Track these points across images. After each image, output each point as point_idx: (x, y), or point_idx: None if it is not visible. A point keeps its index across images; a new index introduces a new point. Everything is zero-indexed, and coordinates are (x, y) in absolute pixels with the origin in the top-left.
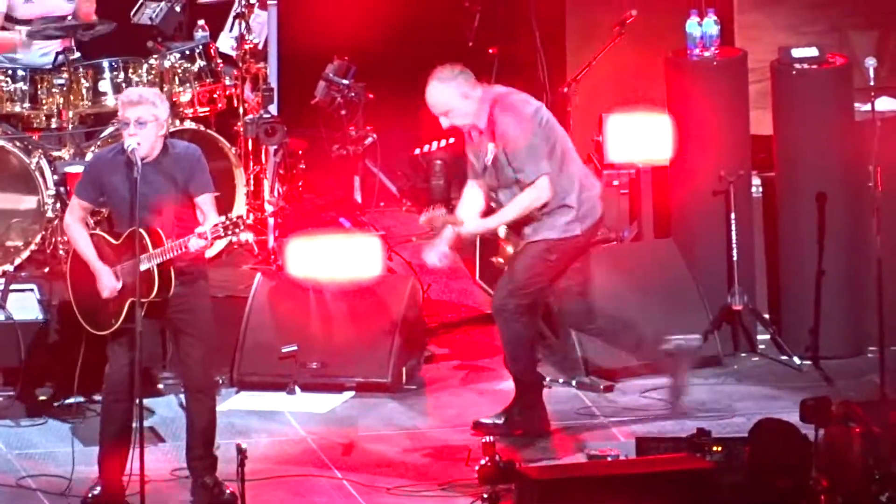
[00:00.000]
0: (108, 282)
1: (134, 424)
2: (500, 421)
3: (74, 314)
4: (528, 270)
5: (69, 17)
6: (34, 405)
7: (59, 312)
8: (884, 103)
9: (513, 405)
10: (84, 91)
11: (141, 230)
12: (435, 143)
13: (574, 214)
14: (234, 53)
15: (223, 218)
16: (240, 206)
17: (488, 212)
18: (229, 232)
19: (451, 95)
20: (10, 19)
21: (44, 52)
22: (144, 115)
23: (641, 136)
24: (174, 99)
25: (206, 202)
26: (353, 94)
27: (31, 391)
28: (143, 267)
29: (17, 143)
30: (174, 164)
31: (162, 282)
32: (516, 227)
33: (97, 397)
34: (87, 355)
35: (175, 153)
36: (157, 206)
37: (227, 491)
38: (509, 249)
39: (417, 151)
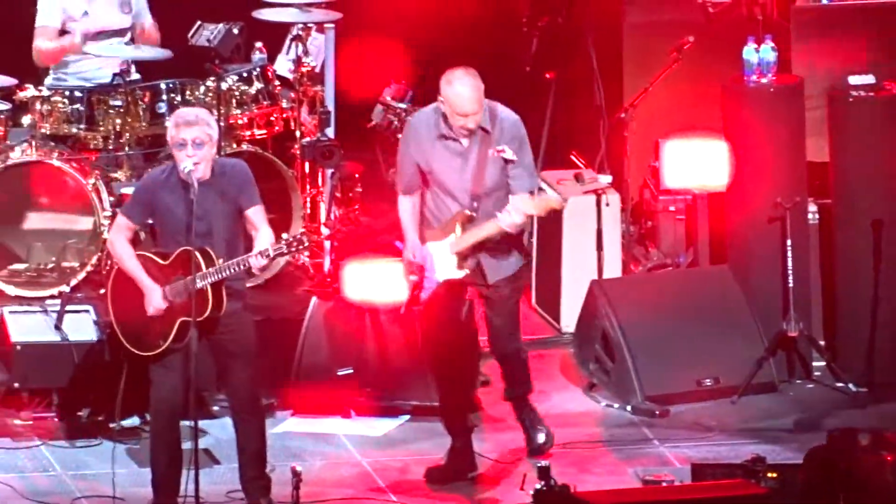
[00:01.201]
0: (157, 301)
1: (188, 446)
2: None
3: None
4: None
5: (128, 36)
6: (88, 426)
7: (115, 333)
8: None
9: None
10: (141, 112)
11: (192, 250)
12: None
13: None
14: (291, 76)
15: (285, 236)
16: (296, 229)
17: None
18: (293, 249)
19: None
20: (67, 34)
21: (99, 67)
22: (201, 136)
23: (698, 163)
24: (231, 121)
25: (257, 214)
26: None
27: (84, 412)
28: (198, 286)
29: (74, 165)
30: (225, 180)
31: (215, 300)
32: (495, 249)
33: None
34: (141, 376)
35: (224, 170)
36: (209, 226)
37: None
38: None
39: None
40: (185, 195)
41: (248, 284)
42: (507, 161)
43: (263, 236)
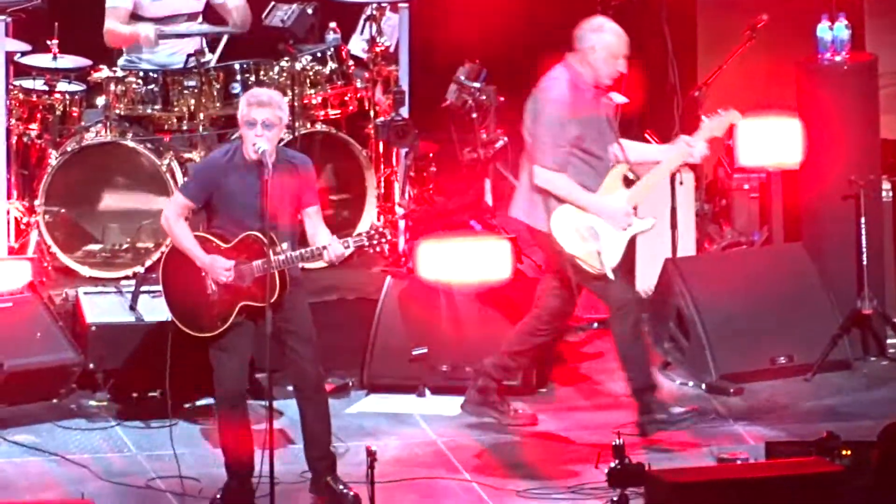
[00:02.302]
0: (223, 265)
1: (263, 427)
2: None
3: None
4: None
5: (199, 20)
6: (163, 407)
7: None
8: None
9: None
10: (215, 93)
11: (257, 233)
12: None
13: None
14: (365, 56)
15: (368, 227)
16: (370, 209)
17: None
18: (374, 241)
19: None
20: (139, 18)
21: (172, 52)
22: (271, 118)
23: (772, 141)
24: (305, 101)
25: (317, 213)
26: (484, 98)
27: (158, 392)
28: (267, 270)
29: (149, 145)
30: (291, 171)
31: (281, 284)
32: None
33: None
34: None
35: (290, 161)
36: (274, 209)
37: (351, 493)
38: None
39: None
40: (249, 176)
41: (320, 264)
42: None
43: (323, 235)
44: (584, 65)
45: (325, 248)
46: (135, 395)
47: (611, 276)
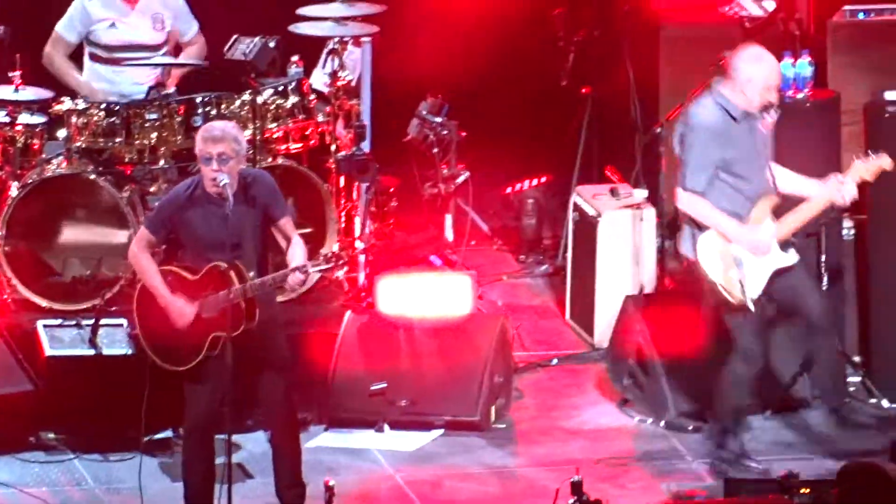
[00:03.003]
0: (184, 310)
1: (222, 460)
2: None
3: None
4: None
5: (162, 52)
6: (122, 440)
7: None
8: None
9: None
10: (177, 126)
11: (223, 264)
12: (527, 182)
13: None
14: (327, 90)
15: (325, 251)
16: (331, 243)
17: None
18: (331, 264)
19: None
20: (92, 44)
21: (136, 82)
22: (227, 151)
23: None
24: (267, 135)
25: (288, 224)
26: (445, 132)
27: (118, 426)
28: (232, 301)
29: (109, 178)
30: (252, 191)
31: (248, 314)
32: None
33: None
34: (174, 389)
35: (248, 180)
36: (238, 239)
37: None
38: None
39: (509, 190)
40: (212, 209)
41: (281, 299)
42: None
43: (296, 247)
44: (736, 92)
45: (286, 272)
46: (93, 428)
47: (751, 306)
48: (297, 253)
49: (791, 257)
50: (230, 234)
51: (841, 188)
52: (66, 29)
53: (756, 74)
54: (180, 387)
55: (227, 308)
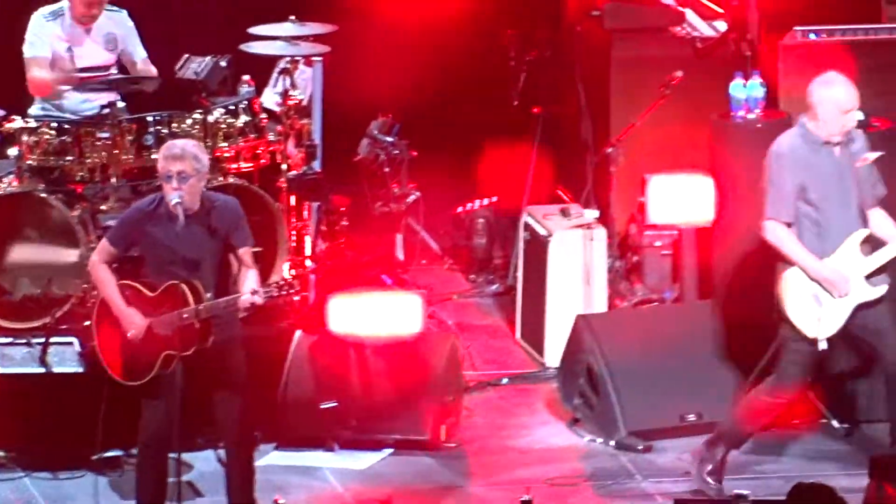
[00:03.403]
0: (135, 322)
1: (172, 479)
2: None
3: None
4: None
5: (112, 69)
6: (72, 458)
7: (98, 365)
8: None
9: None
10: (128, 145)
11: (181, 283)
12: (477, 202)
13: None
14: (278, 109)
15: (277, 278)
16: (281, 262)
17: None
18: (283, 292)
19: None
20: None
21: (86, 99)
22: (187, 169)
23: (684, 198)
24: (217, 154)
25: (247, 254)
26: (396, 152)
27: (68, 444)
28: (184, 321)
29: (60, 197)
30: (215, 216)
31: (201, 335)
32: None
33: (134, 451)
34: (123, 407)
35: (215, 206)
36: (197, 259)
37: None
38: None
39: (460, 210)
40: (172, 226)
41: None
42: (872, 163)
43: (250, 277)
44: (814, 119)
45: (237, 298)
46: (43, 446)
47: (823, 345)
48: (249, 277)
49: (878, 290)
50: (187, 253)
51: None
52: (34, 48)
53: (826, 97)
54: (131, 405)
55: (180, 327)
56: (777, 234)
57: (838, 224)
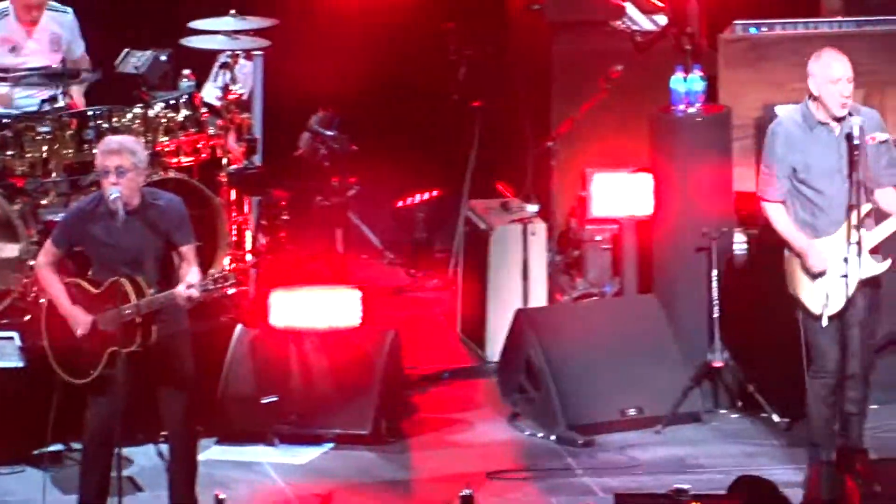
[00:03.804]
0: (79, 318)
1: (113, 474)
2: None
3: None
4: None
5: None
6: (12, 453)
7: (39, 360)
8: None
9: None
10: (68, 139)
11: (124, 280)
12: (417, 196)
13: None
14: (218, 103)
15: (213, 272)
16: (222, 257)
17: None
18: (219, 285)
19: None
20: None
21: (27, 95)
22: (125, 164)
23: (624, 192)
24: (158, 148)
25: (189, 252)
26: (336, 146)
27: (9, 439)
28: (125, 317)
29: (0, 191)
30: (157, 214)
31: (144, 331)
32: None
33: (76, 445)
34: (65, 403)
35: (157, 203)
36: (139, 255)
37: None
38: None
39: (400, 204)
40: (113, 223)
41: None
42: (882, 143)
43: (191, 273)
44: (812, 97)
45: (174, 293)
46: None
47: (824, 322)
48: (190, 273)
49: (881, 266)
50: (129, 250)
51: None
52: None
53: (816, 69)
54: (73, 401)
55: (123, 324)
56: (768, 212)
57: (835, 202)
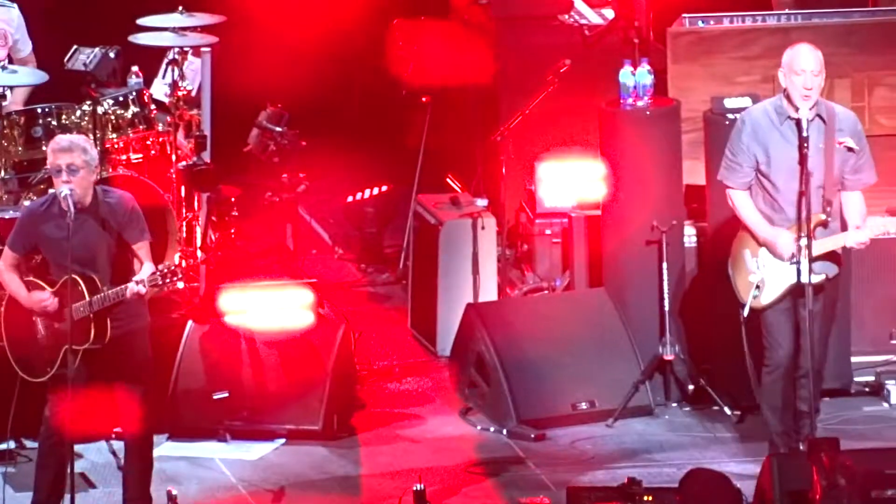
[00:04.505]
0: (39, 297)
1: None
2: None
3: (7, 361)
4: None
5: (2, 65)
6: None
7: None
8: None
9: None
10: (17, 137)
11: (76, 277)
12: (367, 191)
13: None
14: (167, 100)
15: (161, 266)
16: (172, 253)
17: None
18: (167, 280)
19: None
20: None
21: None
22: (76, 162)
23: (573, 182)
24: (107, 145)
25: (142, 249)
26: (285, 142)
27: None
28: (79, 314)
29: None
30: (108, 211)
31: (98, 329)
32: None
33: (28, 443)
34: (19, 401)
35: (108, 201)
36: (92, 253)
37: None
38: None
39: (349, 199)
40: (63, 222)
41: None
42: (849, 150)
43: (144, 270)
44: (782, 91)
45: (125, 289)
46: None
47: (744, 312)
48: (143, 271)
49: (816, 277)
50: (82, 247)
51: (865, 236)
52: None
53: (785, 59)
54: (23, 399)
55: (76, 321)
56: (733, 199)
57: (792, 199)
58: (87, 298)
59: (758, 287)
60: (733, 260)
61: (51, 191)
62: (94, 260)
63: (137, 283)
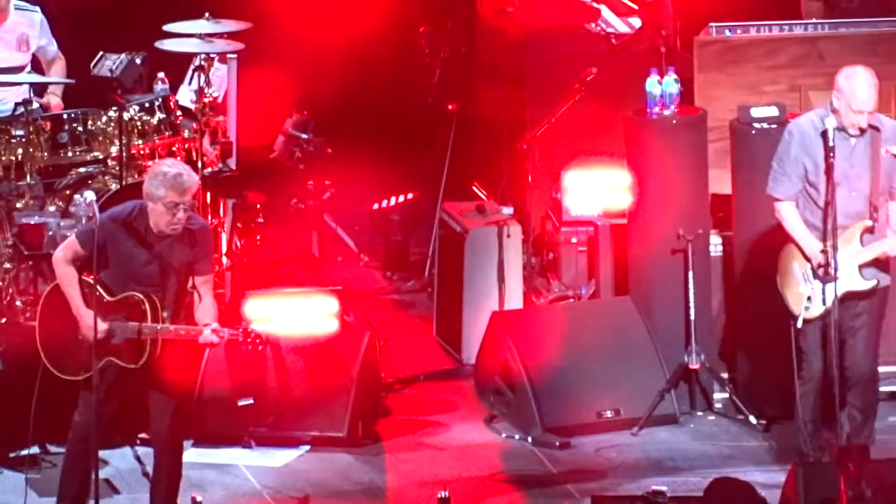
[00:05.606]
0: (90, 323)
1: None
2: None
3: (34, 360)
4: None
5: (27, 70)
6: None
7: (16, 363)
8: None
9: None
10: (43, 142)
11: (142, 297)
12: (392, 199)
13: None
14: (193, 106)
15: (244, 326)
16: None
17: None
18: (248, 341)
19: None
20: None
21: (1, 99)
22: (190, 201)
23: (599, 191)
24: (133, 152)
25: (207, 283)
26: (311, 149)
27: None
28: (142, 336)
29: None
30: (190, 238)
31: (150, 355)
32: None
33: (53, 448)
34: (42, 406)
35: (191, 227)
36: (164, 276)
37: None
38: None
39: (375, 206)
40: (147, 242)
41: None
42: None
43: (208, 307)
44: (837, 107)
45: (197, 330)
46: None
47: (799, 323)
48: (209, 313)
49: (867, 283)
50: (157, 271)
51: None
52: None
53: (844, 87)
54: (48, 404)
55: (135, 339)
56: (780, 211)
57: (840, 209)
58: (150, 322)
59: (809, 298)
60: (782, 272)
61: (131, 203)
62: (164, 285)
63: (214, 331)
